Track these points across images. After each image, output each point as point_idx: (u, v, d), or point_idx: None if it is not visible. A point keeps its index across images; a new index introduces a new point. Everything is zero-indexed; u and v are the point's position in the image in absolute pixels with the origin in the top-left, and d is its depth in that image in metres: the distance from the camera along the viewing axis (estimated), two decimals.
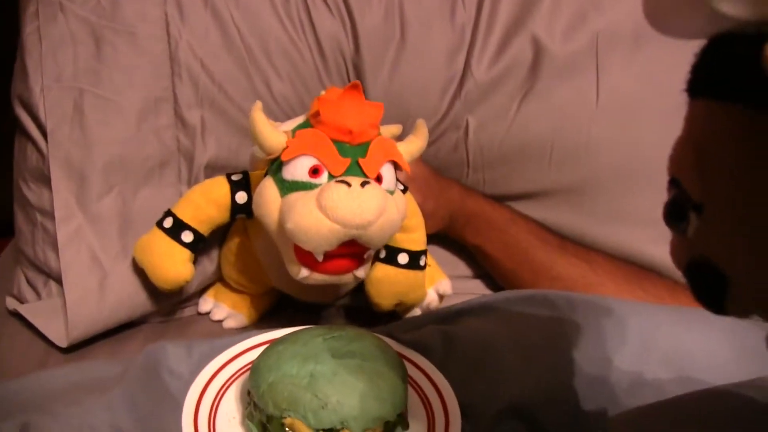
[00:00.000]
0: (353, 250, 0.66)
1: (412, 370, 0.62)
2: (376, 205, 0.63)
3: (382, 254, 0.78)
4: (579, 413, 0.59)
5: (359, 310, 0.85)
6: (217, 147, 0.86)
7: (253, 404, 0.57)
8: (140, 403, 0.58)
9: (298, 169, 0.65)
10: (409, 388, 0.60)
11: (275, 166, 0.67)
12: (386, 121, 0.70)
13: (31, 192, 0.81)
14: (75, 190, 0.78)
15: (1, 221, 0.96)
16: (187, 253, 0.75)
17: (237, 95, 0.87)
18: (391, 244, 0.77)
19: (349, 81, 0.91)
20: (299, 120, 0.70)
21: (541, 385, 0.60)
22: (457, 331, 0.67)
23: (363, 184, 0.63)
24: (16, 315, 0.79)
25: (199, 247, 0.76)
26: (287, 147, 0.65)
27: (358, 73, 0.91)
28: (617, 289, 0.84)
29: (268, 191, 0.67)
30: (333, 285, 0.76)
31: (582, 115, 0.90)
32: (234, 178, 0.75)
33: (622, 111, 0.88)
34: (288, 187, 0.65)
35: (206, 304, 0.84)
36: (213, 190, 0.75)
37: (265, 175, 0.69)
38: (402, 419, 0.58)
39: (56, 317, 0.76)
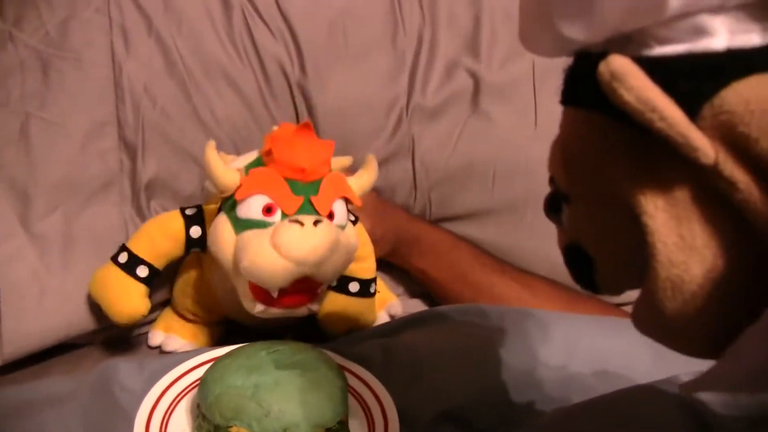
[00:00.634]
0: (307, 285, 0.71)
1: (352, 380, 0.69)
2: (328, 243, 0.68)
3: (334, 283, 0.82)
4: (510, 410, 0.67)
5: (310, 337, 0.91)
6: (157, 168, 0.92)
7: (201, 416, 0.64)
8: (93, 416, 0.64)
9: (252, 208, 0.70)
10: (350, 397, 0.67)
11: (229, 203, 0.72)
12: (334, 139, 0.76)
13: None
14: (19, 210, 0.84)
15: None
16: (142, 288, 0.79)
17: (179, 118, 0.93)
18: (342, 273, 0.82)
19: (294, 102, 0.99)
20: (252, 156, 0.75)
21: (472, 390, 0.68)
22: (396, 343, 0.75)
23: (315, 223, 0.68)
24: None
25: (154, 281, 0.80)
26: (241, 186, 0.70)
27: (303, 93, 0.99)
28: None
29: (222, 229, 0.72)
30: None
31: (522, 137, 0.99)
32: (188, 212, 0.79)
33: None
34: (242, 225, 0.70)
35: (157, 337, 0.87)
36: (168, 225, 0.79)
37: (219, 210, 0.74)
38: (343, 426, 0.64)
39: None
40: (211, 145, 0.71)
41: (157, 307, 0.89)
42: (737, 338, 0.34)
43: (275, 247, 0.67)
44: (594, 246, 0.40)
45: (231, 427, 0.61)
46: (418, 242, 0.97)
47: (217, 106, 0.95)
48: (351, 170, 0.80)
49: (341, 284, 0.84)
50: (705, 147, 0.32)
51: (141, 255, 0.79)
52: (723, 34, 0.33)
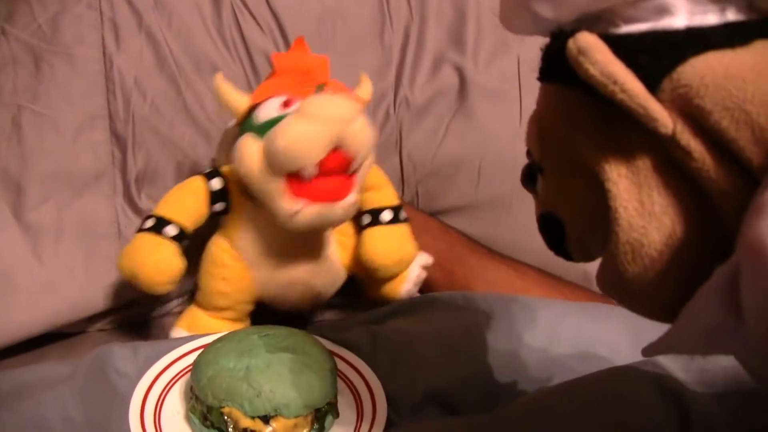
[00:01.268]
0: (340, 160, 0.74)
1: (341, 365, 0.73)
2: (351, 103, 0.73)
3: (367, 220, 0.88)
4: (495, 392, 0.72)
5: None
6: (146, 161, 0.95)
7: (195, 397, 0.67)
8: (89, 398, 0.67)
9: (270, 109, 0.75)
10: (339, 380, 0.71)
11: (247, 122, 0.77)
12: None
13: None
14: (11, 200, 0.87)
15: None
16: (174, 246, 0.80)
17: (169, 112, 0.97)
18: (370, 206, 0.88)
19: None
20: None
21: (458, 372, 0.73)
22: (383, 330, 0.79)
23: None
24: None
25: (184, 243, 0.82)
26: (256, 92, 0.76)
27: None
28: (543, 296, 0.96)
29: (246, 141, 0.76)
30: (318, 270, 0.86)
31: (507, 133, 1.04)
32: (206, 171, 0.84)
33: None
34: (265, 127, 0.74)
35: (178, 335, 0.85)
36: (188, 183, 0.83)
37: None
38: (332, 407, 0.68)
39: None
40: (221, 76, 0.77)
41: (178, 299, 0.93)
42: None
43: (304, 116, 0.72)
44: (564, 212, 0.45)
45: (223, 407, 0.65)
46: (411, 224, 1.01)
47: (207, 100, 0.99)
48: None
49: (374, 217, 0.89)
50: (663, 118, 0.36)
51: (167, 216, 0.81)
52: (683, 13, 0.37)
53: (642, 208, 0.39)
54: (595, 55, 0.36)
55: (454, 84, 1.05)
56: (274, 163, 0.74)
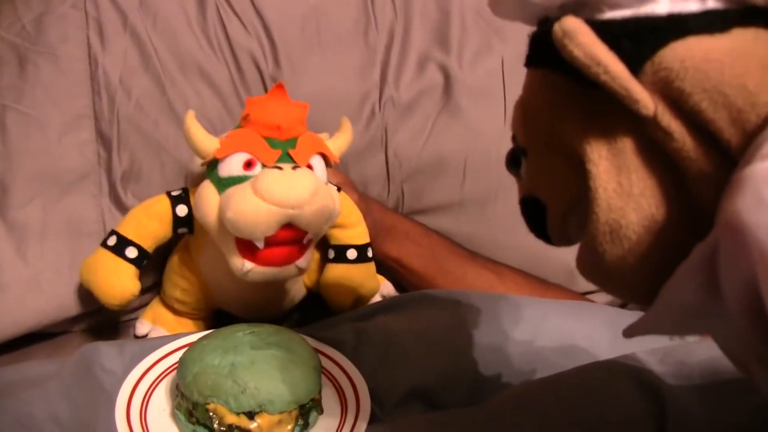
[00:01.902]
0: (292, 234, 0.76)
1: (326, 362, 0.75)
2: (308, 184, 0.73)
3: (332, 255, 0.90)
4: (478, 387, 0.74)
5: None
6: (131, 161, 0.97)
7: (180, 394, 0.69)
8: (76, 395, 0.69)
9: (232, 165, 0.76)
10: (324, 377, 0.73)
11: (211, 167, 0.78)
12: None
13: None
14: None
15: None
16: (132, 269, 0.83)
17: (153, 112, 0.99)
18: (337, 242, 0.89)
19: None
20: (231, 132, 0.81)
21: (440, 369, 0.75)
22: (368, 327, 0.81)
23: (294, 168, 0.74)
24: None
25: (144, 264, 0.85)
26: (221, 146, 0.76)
27: None
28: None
29: (206, 191, 0.77)
30: (276, 295, 0.87)
31: (492, 131, 1.06)
32: (174, 193, 0.85)
33: None
34: (225, 184, 0.76)
35: (143, 326, 0.92)
36: (154, 206, 0.85)
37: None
38: (317, 403, 0.70)
39: None
40: (191, 114, 0.77)
41: (147, 294, 0.94)
42: None
43: (257, 193, 0.72)
44: (546, 194, 0.47)
45: (209, 404, 0.67)
46: (393, 231, 1.03)
47: (192, 99, 1.00)
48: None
49: (339, 254, 0.90)
50: (645, 99, 0.38)
51: (129, 237, 0.83)
52: (666, 0, 0.39)
53: (621, 189, 0.40)
54: (580, 37, 0.38)
55: (439, 83, 1.07)
56: (226, 225, 0.75)
